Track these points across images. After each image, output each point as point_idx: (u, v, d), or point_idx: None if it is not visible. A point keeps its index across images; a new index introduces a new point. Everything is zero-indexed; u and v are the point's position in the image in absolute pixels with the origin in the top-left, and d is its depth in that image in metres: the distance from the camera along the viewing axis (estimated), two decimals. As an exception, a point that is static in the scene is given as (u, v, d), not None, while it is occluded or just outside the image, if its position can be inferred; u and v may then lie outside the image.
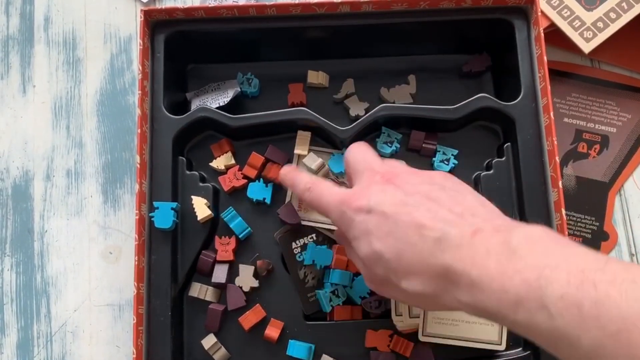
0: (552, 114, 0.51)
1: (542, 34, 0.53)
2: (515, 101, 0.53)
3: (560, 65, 0.62)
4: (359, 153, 0.44)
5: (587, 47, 0.57)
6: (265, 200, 0.54)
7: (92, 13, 0.64)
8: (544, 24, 0.56)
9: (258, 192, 0.54)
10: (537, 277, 0.30)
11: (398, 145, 0.56)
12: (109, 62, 0.63)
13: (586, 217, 0.59)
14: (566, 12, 0.57)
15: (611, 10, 0.57)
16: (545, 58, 0.52)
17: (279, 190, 0.55)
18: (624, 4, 0.57)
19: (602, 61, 0.63)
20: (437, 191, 0.37)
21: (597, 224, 0.59)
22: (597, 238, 0.58)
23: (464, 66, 0.59)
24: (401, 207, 0.37)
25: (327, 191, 0.42)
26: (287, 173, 0.48)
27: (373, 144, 0.56)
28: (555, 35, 0.58)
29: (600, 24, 0.57)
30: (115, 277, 0.58)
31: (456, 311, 0.50)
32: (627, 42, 0.61)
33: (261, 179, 0.55)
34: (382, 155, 0.56)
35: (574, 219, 0.59)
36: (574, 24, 0.57)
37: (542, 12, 0.55)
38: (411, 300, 0.40)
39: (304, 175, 0.45)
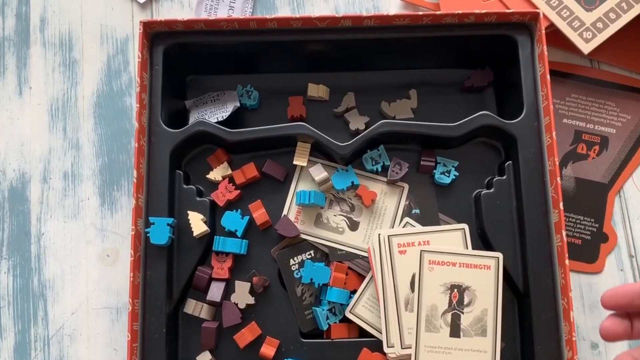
0: (554, 133, 0.50)
1: (546, 52, 0.52)
2: (517, 119, 0.53)
3: (559, 66, 0.62)
4: None
5: (586, 48, 0.56)
6: (237, 233, 0.53)
7: (88, 14, 0.64)
8: (543, 24, 0.55)
9: (232, 222, 0.53)
10: None
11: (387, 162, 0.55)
12: (105, 64, 0.63)
13: (585, 218, 0.59)
14: (565, 13, 0.57)
15: (611, 11, 0.57)
16: (548, 77, 0.51)
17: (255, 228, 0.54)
18: (623, 4, 0.57)
19: (601, 61, 0.63)
20: None
21: (597, 225, 0.58)
22: (596, 239, 0.58)
23: (466, 81, 0.58)
24: None
25: None
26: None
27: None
28: (554, 36, 0.58)
29: (599, 25, 0.56)
30: (112, 279, 0.57)
31: (449, 339, 0.49)
32: (626, 42, 0.61)
33: (239, 209, 0.54)
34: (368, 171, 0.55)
35: (574, 220, 0.59)
36: (573, 24, 0.57)
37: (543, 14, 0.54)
38: None
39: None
